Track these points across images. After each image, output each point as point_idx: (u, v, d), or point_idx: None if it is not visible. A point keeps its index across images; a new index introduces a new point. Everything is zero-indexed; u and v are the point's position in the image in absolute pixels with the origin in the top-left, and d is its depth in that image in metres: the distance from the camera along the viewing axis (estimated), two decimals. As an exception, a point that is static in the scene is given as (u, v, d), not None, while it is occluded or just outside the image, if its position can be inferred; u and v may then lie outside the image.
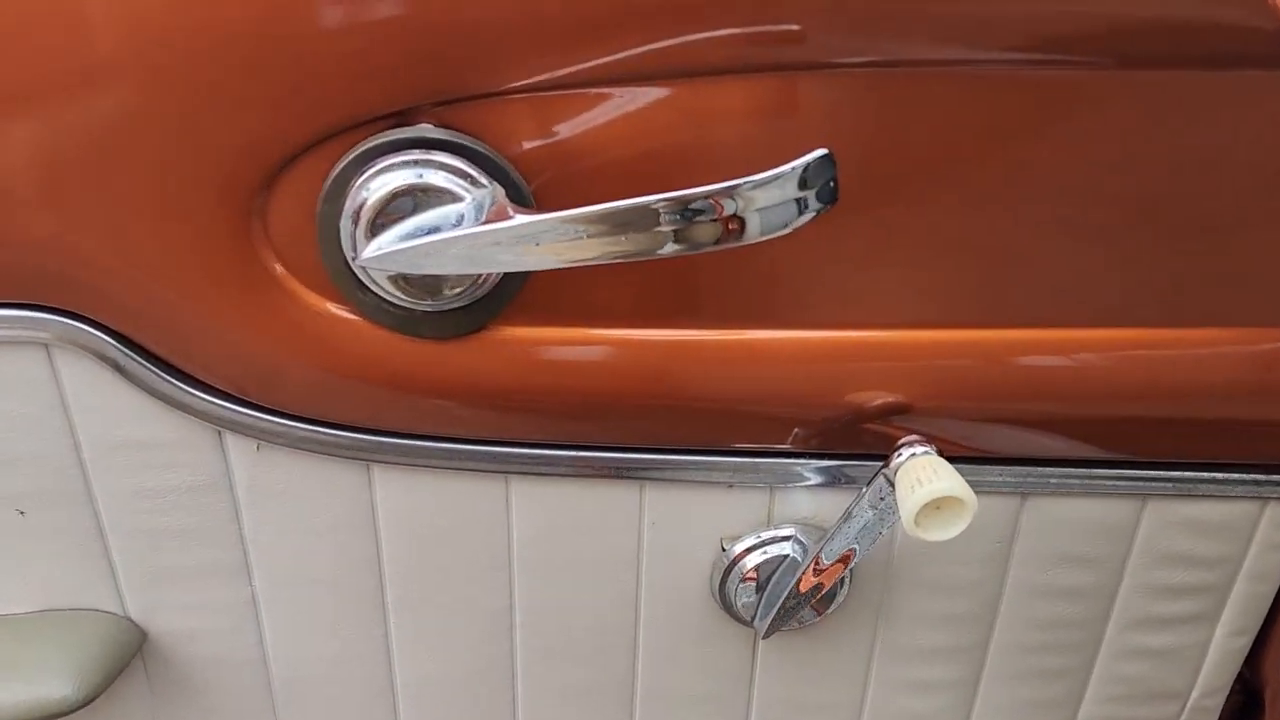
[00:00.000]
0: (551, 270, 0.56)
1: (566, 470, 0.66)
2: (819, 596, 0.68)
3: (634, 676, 0.75)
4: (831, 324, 0.63)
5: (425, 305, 0.58)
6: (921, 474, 0.59)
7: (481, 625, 0.73)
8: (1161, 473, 0.70)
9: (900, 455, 0.62)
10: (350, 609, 0.72)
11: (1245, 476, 0.70)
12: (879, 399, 0.65)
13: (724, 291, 0.61)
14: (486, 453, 0.66)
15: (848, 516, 0.64)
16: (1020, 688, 0.79)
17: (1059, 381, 0.65)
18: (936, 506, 0.59)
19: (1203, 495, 0.71)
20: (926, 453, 0.61)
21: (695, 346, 0.62)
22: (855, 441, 0.67)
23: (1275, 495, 0.71)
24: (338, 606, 0.71)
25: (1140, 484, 0.70)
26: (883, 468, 0.62)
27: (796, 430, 0.66)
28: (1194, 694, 0.81)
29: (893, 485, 0.62)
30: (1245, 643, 0.79)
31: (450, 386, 0.62)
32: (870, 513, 0.63)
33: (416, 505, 0.68)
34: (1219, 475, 0.70)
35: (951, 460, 0.61)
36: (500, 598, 0.71)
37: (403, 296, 0.58)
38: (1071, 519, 0.71)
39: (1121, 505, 0.71)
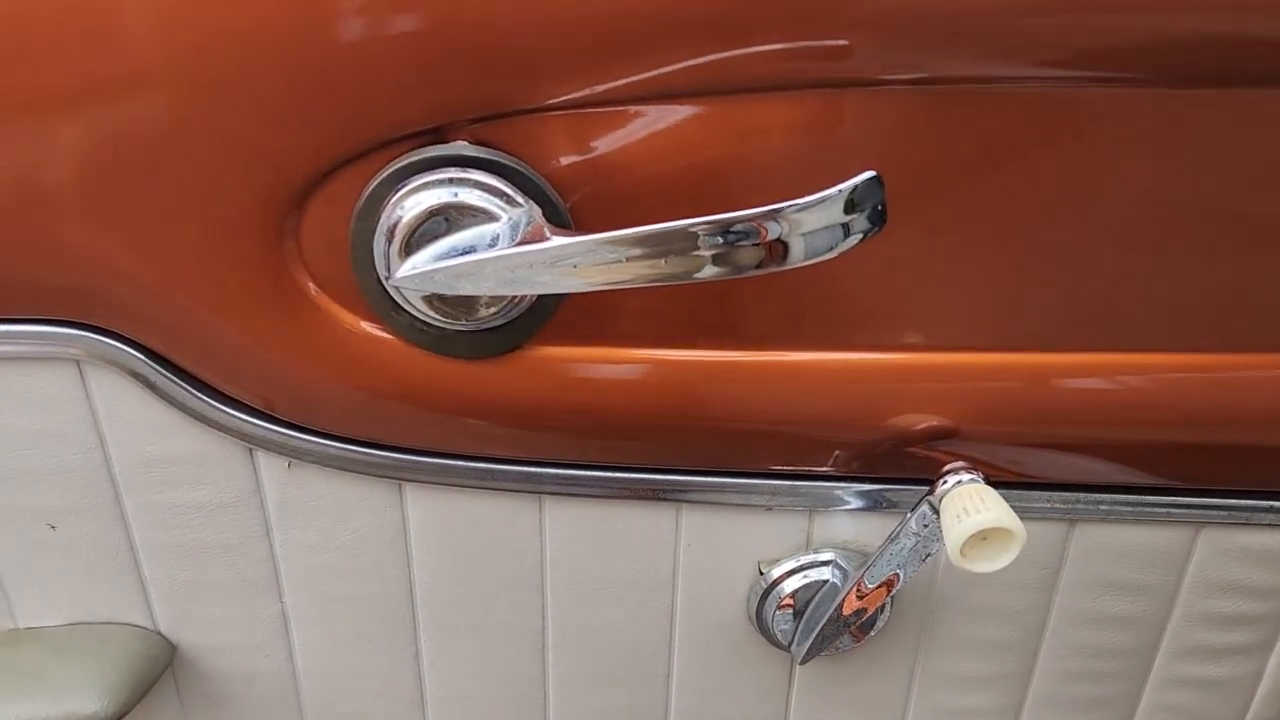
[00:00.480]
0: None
1: (601, 491, 0.65)
2: (859, 623, 0.67)
3: (668, 700, 0.74)
4: (875, 346, 0.61)
5: (460, 325, 0.57)
6: (968, 503, 0.57)
7: (513, 646, 0.71)
8: (1216, 500, 0.67)
9: (946, 482, 0.60)
10: (381, 627, 0.71)
11: (1304, 505, 0.68)
12: (923, 423, 0.63)
13: (764, 312, 0.60)
14: (520, 473, 0.64)
15: (891, 542, 0.62)
16: (1064, 717, 0.77)
17: (1109, 406, 0.63)
18: (984, 537, 0.57)
19: (1259, 524, 0.68)
20: (973, 480, 0.59)
21: (734, 367, 0.61)
22: (898, 465, 0.65)
23: (1335, 524, 0.69)
24: (368, 624, 0.71)
25: (1194, 512, 0.68)
26: (928, 494, 0.60)
27: (837, 453, 0.65)
28: (1244, 725, 0.79)
29: (937, 513, 0.60)
30: (1299, 673, 0.77)
31: (484, 406, 0.61)
32: (914, 539, 0.61)
33: (449, 524, 0.66)
34: (1277, 504, 0.68)
35: (997, 485, 0.59)
36: (533, 618, 0.70)
37: (437, 316, 0.56)
38: (1121, 546, 0.69)
39: (1174, 533, 0.69)
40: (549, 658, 0.72)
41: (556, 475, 0.65)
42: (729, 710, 0.74)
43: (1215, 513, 0.68)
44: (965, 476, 0.59)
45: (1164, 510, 0.67)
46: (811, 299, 0.59)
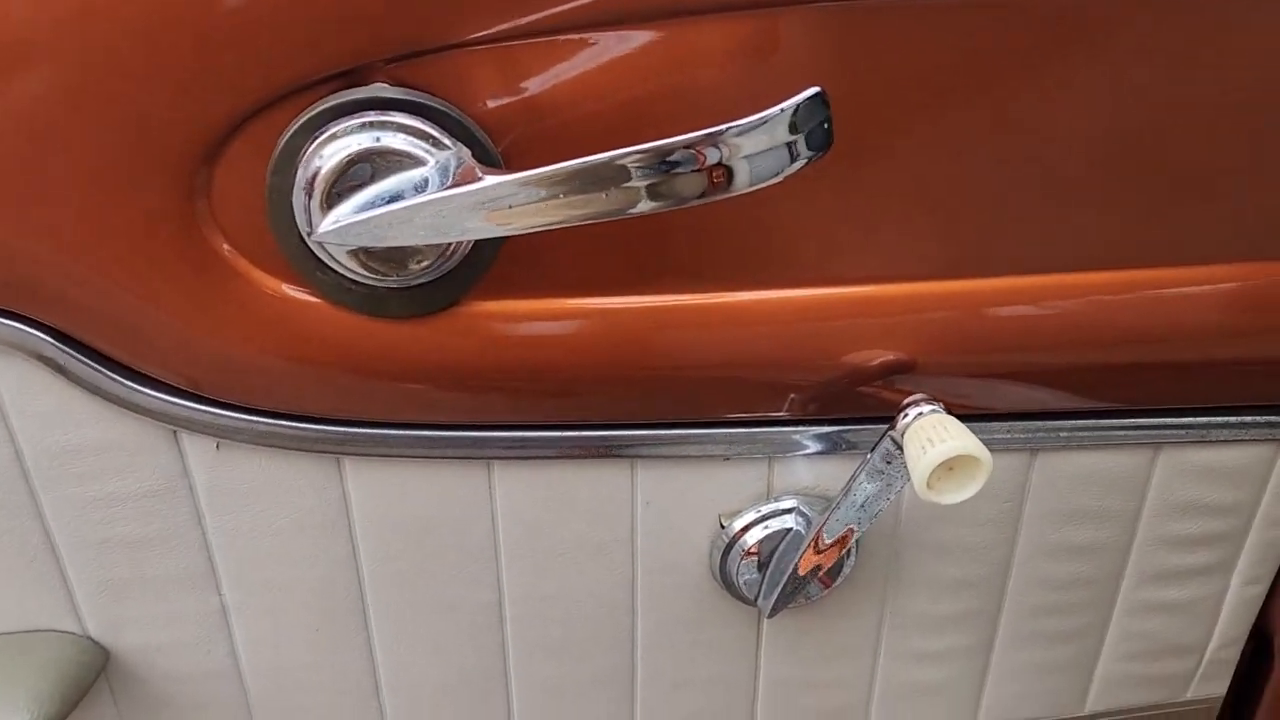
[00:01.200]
0: (525, 237, 0.52)
1: (552, 452, 0.62)
2: (819, 575, 0.65)
3: (634, 665, 0.72)
4: (824, 280, 0.59)
5: (390, 281, 0.54)
6: (932, 433, 0.55)
7: (470, 622, 0.68)
8: (1175, 419, 0.67)
9: (907, 415, 0.58)
10: (328, 613, 0.67)
11: (1260, 419, 0.68)
12: (879, 358, 0.61)
13: (707, 251, 0.57)
14: (466, 438, 0.61)
15: (853, 483, 0.60)
16: (1034, 651, 0.76)
17: (1065, 328, 0.62)
18: (949, 467, 0.55)
19: (1217, 441, 0.68)
20: (935, 411, 0.58)
21: (681, 312, 0.58)
22: (856, 405, 0.63)
23: (1290, 436, 0.69)
24: (314, 611, 0.67)
25: (1153, 432, 0.67)
26: (889, 430, 0.59)
27: (793, 396, 0.63)
28: (1210, 646, 0.79)
29: (900, 448, 0.58)
30: (1260, 591, 0.77)
31: (422, 369, 0.58)
32: (877, 478, 0.60)
33: (393, 498, 0.63)
34: (1233, 419, 0.67)
35: (958, 418, 0.58)
36: (488, 591, 0.67)
37: (365, 273, 0.53)
38: (1083, 473, 0.68)
39: (1134, 455, 0.68)
40: (507, 631, 0.69)
41: (504, 438, 0.62)
42: (698, 671, 0.72)
43: (1173, 432, 0.67)
44: (926, 408, 0.58)
45: (1123, 433, 0.67)
46: (755, 235, 0.57)
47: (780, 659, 0.73)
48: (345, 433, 0.60)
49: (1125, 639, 0.77)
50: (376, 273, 0.53)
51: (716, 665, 0.72)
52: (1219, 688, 0.82)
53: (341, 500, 0.63)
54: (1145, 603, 0.75)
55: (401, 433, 0.61)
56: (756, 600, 0.67)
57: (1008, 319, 0.61)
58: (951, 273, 0.59)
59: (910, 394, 0.60)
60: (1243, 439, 0.68)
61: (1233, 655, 0.81)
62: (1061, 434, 0.66)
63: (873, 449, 0.60)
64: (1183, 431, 0.67)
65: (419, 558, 0.65)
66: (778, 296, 0.59)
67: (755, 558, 0.66)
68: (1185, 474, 0.69)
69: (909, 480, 0.59)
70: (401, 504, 0.63)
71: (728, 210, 0.55)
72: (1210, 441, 0.68)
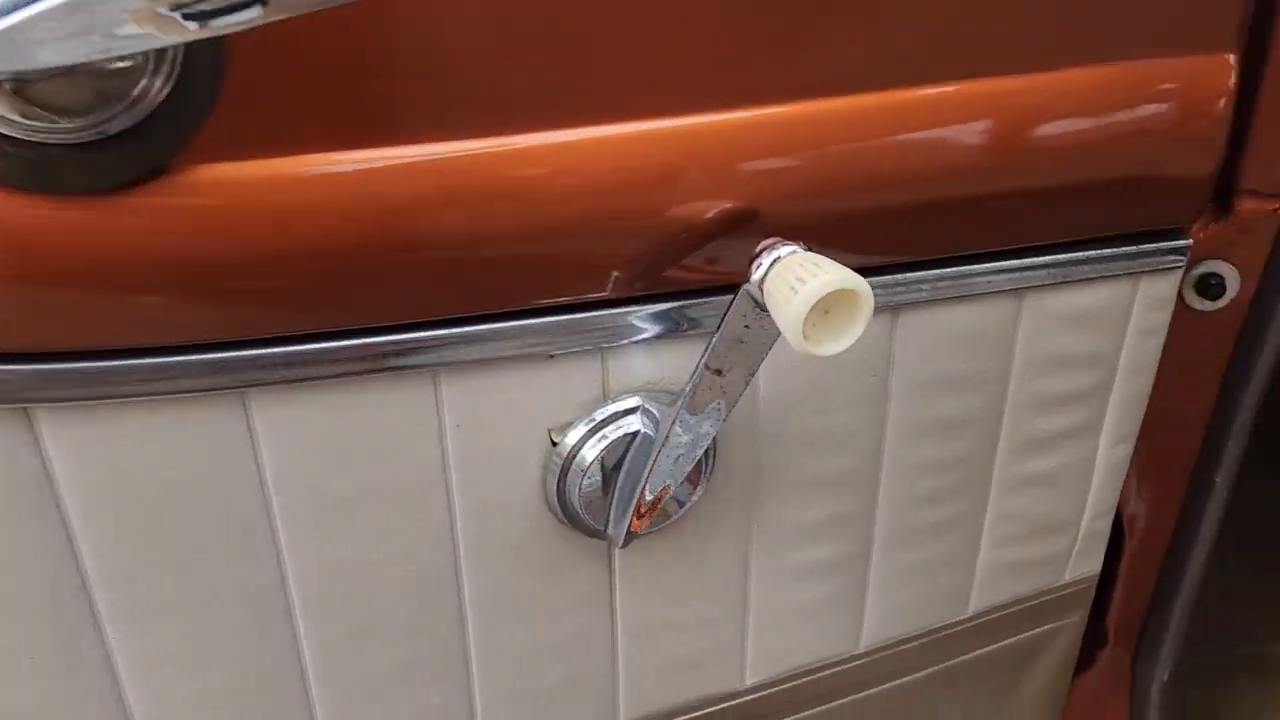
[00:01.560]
0: (252, 72, 0.39)
1: (326, 369, 0.48)
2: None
3: (465, 640, 0.58)
4: (632, 113, 0.48)
5: (62, 135, 0.39)
6: (801, 272, 0.45)
7: (246, 614, 0.53)
8: (1035, 259, 0.61)
9: (761, 264, 0.47)
10: (44, 631, 0.50)
11: (1118, 250, 0.63)
12: (714, 208, 0.51)
13: (483, 79, 0.45)
14: (206, 362, 0.46)
15: (705, 362, 0.49)
16: (913, 550, 0.68)
17: (921, 156, 0.54)
18: (825, 310, 0.45)
19: (1079, 280, 0.62)
20: (794, 251, 0.48)
21: (457, 165, 0.46)
22: (697, 272, 0.53)
23: (1147, 268, 0.64)
24: (23, 632, 0.49)
25: (1015, 275, 0.60)
26: (744, 285, 0.48)
27: (616, 271, 0.51)
28: (1084, 519, 0.74)
29: (761, 305, 0.48)
30: (1127, 452, 0.72)
31: (127, 267, 0.43)
32: (737, 343, 0.49)
33: (115, 458, 0.47)
34: (1093, 253, 0.62)
35: None
36: (265, 570, 0.52)
37: (23, 120, 0.38)
38: (948, 332, 0.60)
39: (998, 306, 0.61)
40: (297, 619, 0.54)
41: (259, 357, 0.47)
42: (545, 634, 0.59)
43: (1035, 273, 0.61)
44: (784, 250, 0.47)
45: (986, 279, 0.60)
46: (537, 54, 0.46)
47: (640, 603, 0.61)
48: (34, 371, 0.44)
49: (1002, 521, 0.70)
50: (39, 119, 0.38)
51: (566, 622, 0.60)
52: (1094, 565, 0.77)
53: (40, 469, 0.46)
54: (1019, 477, 0.69)
55: (115, 364, 0.45)
56: (606, 529, 0.56)
57: (862, 147, 0.52)
58: (787, 93, 0.50)
59: (759, 242, 0.50)
60: (1104, 275, 0.63)
61: (1104, 528, 0.76)
62: (924, 287, 0.58)
63: (724, 315, 0.49)
64: (1044, 272, 0.61)
65: (163, 536, 0.49)
66: (576, 138, 0.48)
67: (598, 476, 0.54)
68: (1050, 322, 0.63)
69: (773, 340, 0.49)
70: (128, 465, 0.47)
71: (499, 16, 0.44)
72: (1073, 282, 0.62)
